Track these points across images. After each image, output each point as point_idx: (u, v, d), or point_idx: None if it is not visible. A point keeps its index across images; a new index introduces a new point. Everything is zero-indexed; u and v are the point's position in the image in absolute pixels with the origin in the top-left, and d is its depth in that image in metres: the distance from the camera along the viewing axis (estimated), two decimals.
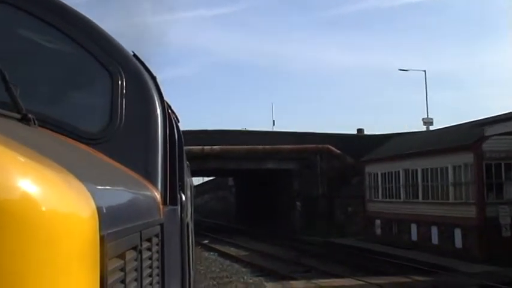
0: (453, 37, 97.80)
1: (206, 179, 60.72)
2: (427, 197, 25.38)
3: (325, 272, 20.15)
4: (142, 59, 3.12)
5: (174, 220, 3.41)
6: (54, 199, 1.30)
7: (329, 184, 36.02)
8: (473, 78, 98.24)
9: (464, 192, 22.69)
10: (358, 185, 33.21)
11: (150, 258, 2.40)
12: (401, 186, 27.66)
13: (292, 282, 18.71)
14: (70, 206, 1.35)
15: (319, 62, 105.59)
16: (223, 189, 57.18)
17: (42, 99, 2.74)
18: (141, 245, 2.11)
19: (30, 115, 2.02)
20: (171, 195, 3.04)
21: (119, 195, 2.01)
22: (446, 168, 23.66)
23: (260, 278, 20.02)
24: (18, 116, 1.97)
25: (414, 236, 26.18)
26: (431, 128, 37.26)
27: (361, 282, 18.02)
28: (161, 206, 2.75)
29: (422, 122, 40.02)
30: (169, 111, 3.62)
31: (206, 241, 31.16)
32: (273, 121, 56.45)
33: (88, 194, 1.47)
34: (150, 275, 2.40)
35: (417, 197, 26.21)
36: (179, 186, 3.50)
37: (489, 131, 21.77)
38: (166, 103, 3.28)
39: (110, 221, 1.58)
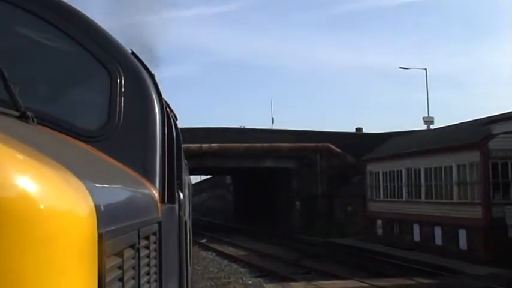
0: (452, 37, 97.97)
1: (204, 177, 60.55)
2: (430, 197, 24.86)
3: (325, 273, 19.76)
4: (141, 57, 3.11)
5: (172, 218, 3.40)
6: (52, 197, 1.30)
7: (329, 183, 35.74)
8: (473, 78, 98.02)
9: (469, 192, 22.19)
10: (359, 184, 32.83)
11: (148, 256, 2.39)
12: (403, 186, 27.16)
13: (292, 283, 18.31)
14: (68, 203, 1.35)
15: (318, 61, 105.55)
16: (221, 188, 56.96)
17: (40, 97, 2.76)
18: (139, 243, 2.11)
19: (28, 113, 2.02)
20: (169, 194, 3.04)
21: (117, 193, 2.02)
22: (451, 167, 23.15)
23: (259, 279, 19.67)
24: (16, 113, 1.97)
25: (416, 237, 25.69)
26: (432, 127, 36.73)
27: (363, 284, 17.56)
28: (159, 204, 2.75)
29: (422, 121, 39.52)
30: (168, 109, 3.61)
31: (204, 240, 30.82)
32: (272, 119, 56.11)
33: (86, 192, 1.47)
34: (148, 273, 2.40)
35: (420, 197, 25.71)
36: (177, 184, 3.50)
37: (496, 128, 21.26)
38: (165, 101, 3.27)
39: (108, 219, 1.58)
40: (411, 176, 26.47)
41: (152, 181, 2.79)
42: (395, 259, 22.34)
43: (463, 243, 22.20)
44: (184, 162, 5.81)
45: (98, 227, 1.46)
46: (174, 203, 3.39)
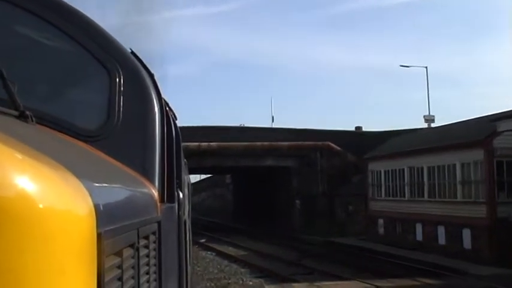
0: (451, 36, 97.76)
1: (203, 176, 60.28)
2: (433, 196, 24.50)
3: (327, 274, 19.48)
4: (140, 57, 3.11)
5: (171, 218, 3.39)
6: (51, 196, 1.30)
7: (329, 182, 35.48)
8: (472, 77, 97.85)
9: (473, 191, 21.86)
10: (359, 183, 32.56)
11: (147, 255, 2.39)
12: (405, 185, 26.81)
13: (294, 284, 18.03)
14: (67, 203, 1.35)
15: (318, 60, 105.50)
16: (220, 187, 56.77)
17: (39, 96, 2.75)
18: (138, 242, 2.10)
19: (27, 112, 2.01)
20: (168, 193, 3.03)
21: (116, 193, 2.01)
22: (454, 165, 22.80)
23: (260, 279, 19.39)
24: (15, 113, 1.97)
25: (419, 236, 25.34)
26: (433, 125, 36.39)
27: (367, 285, 17.26)
28: (158, 204, 2.74)
29: (422, 120, 39.17)
30: (167, 108, 3.60)
31: (203, 240, 30.57)
32: (272, 117, 55.83)
33: (85, 192, 1.47)
34: (147, 273, 2.40)
35: (422, 196, 25.36)
36: (177, 183, 3.49)
37: (502, 126, 20.88)
38: (164, 100, 3.26)
39: (107, 219, 1.58)
40: (414, 175, 26.13)
41: (151, 180, 2.79)
42: (398, 259, 22.02)
43: (467, 243, 21.86)
44: (183, 161, 5.82)
45: (97, 227, 1.46)
46: (174, 202, 3.39)
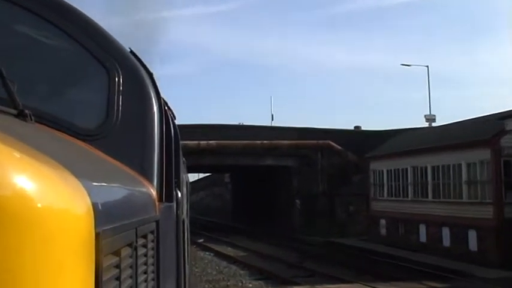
0: (451, 36, 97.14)
1: (202, 175, 59.86)
2: (437, 196, 23.96)
3: (329, 276, 18.99)
4: (139, 56, 3.10)
5: (169, 217, 3.39)
6: (49, 195, 1.30)
7: (329, 181, 35.03)
8: (472, 78, 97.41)
9: (480, 191, 21.32)
10: (360, 183, 32.08)
11: (146, 255, 2.39)
12: (409, 184, 26.27)
13: (295, 287, 17.39)
14: (66, 202, 1.35)
15: (318, 60, 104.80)
16: (219, 186, 56.44)
17: (38, 95, 2.74)
18: (136, 241, 2.10)
19: (26, 111, 2.02)
20: (167, 192, 3.03)
21: (115, 192, 2.01)
22: (460, 165, 22.27)
23: (260, 281, 18.88)
24: (14, 111, 1.97)
25: (423, 237, 24.80)
26: (434, 125, 35.88)
27: None
28: (157, 203, 2.74)
29: (422, 120, 38.81)
30: (166, 108, 3.60)
31: (201, 240, 30.05)
32: (272, 115, 55.03)
33: (84, 191, 1.46)
34: (145, 272, 2.39)
35: (426, 196, 24.82)
36: (175, 183, 3.49)
37: (510, 124, 20.31)
38: (163, 100, 3.26)
39: (106, 218, 1.58)
40: (417, 175, 25.59)
41: (150, 179, 2.79)
42: (402, 261, 21.50)
43: (473, 244, 21.32)
44: (182, 160, 5.80)
45: (96, 226, 1.45)
46: (172, 201, 3.39)
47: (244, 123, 40.50)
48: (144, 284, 2.34)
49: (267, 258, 23.87)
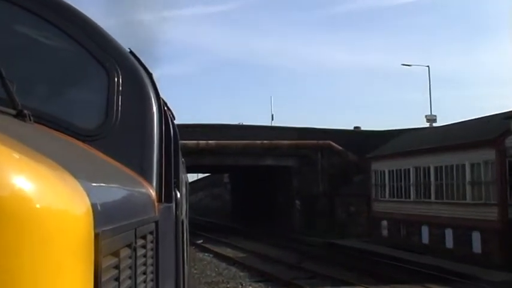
0: (451, 37, 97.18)
1: (201, 175, 59.59)
2: (440, 197, 23.56)
3: (331, 278, 18.62)
4: (139, 56, 3.09)
5: (169, 217, 3.38)
6: (48, 196, 1.29)
7: (330, 182, 34.72)
8: (472, 78, 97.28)
9: (484, 192, 20.90)
10: (361, 183, 31.73)
11: (145, 255, 2.39)
12: (411, 185, 25.84)
13: None
14: (65, 203, 1.34)
15: (318, 60, 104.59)
16: (218, 187, 56.17)
17: (38, 95, 2.73)
18: (135, 242, 2.10)
19: (26, 111, 2.02)
20: (166, 193, 3.02)
21: (114, 193, 2.00)
22: (463, 165, 21.87)
23: (260, 284, 18.53)
24: (13, 112, 1.97)
25: (425, 239, 24.40)
26: (434, 125, 35.55)
27: None
28: (156, 204, 2.73)
29: (424, 120, 38.28)
30: (165, 108, 3.60)
31: (200, 241, 29.68)
32: (272, 115, 54.37)
33: (83, 191, 1.46)
34: (145, 273, 2.39)
35: (429, 197, 24.41)
36: (174, 183, 3.48)
37: None
38: (162, 100, 3.25)
39: (105, 219, 1.57)
40: (420, 175, 25.18)
41: (149, 180, 2.78)
42: (404, 263, 21.10)
43: (476, 246, 20.94)
44: (181, 160, 5.74)
45: (95, 227, 1.45)
46: (171, 202, 3.37)
47: (244, 123, 40.13)
48: (143, 284, 2.34)
49: (267, 260, 23.46)
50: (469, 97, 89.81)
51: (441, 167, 23.44)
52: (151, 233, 2.55)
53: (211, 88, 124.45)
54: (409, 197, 26.02)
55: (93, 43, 2.84)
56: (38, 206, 1.24)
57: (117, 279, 1.76)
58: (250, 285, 18.29)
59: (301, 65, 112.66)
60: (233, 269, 21.48)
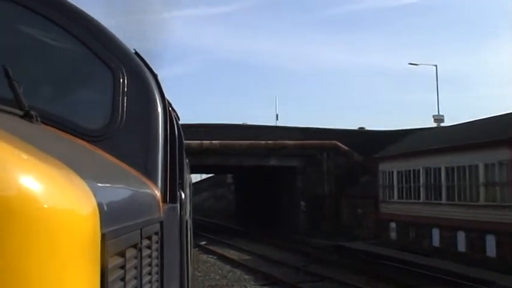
0: (453, 37, 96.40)
1: (204, 176, 59.20)
2: (452, 199, 22.77)
3: (339, 282, 17.98)
4: (143, 57, 3.11)
5: (173, 218, 3.42)
6: (55, 196, 1.30)
7: (336, 183, 34.07)
8: (474, 78, 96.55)
9: (498, 194, 20.11)
10: (367, 184, 31.07)
11: (150, 256, 2.40)
12: (421, 186, 25.06)
13: None
14: (71, 203, 1.35)
15: (321, 60, 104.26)
16: (221, 187, 55.78)
17: (44, 96, 2.75)
18: (141, 242, 2.12)
19: (32, 112, 2.03)
20: (170, 193, 3.03)
21: (120, 193, 2.02)
22: (476, 166, 21.10)
23: (265, 287, 17.87)
24: (20, 112, 1.98)
25: (436, 242, 23.62)
26: (442, 125, 34.89)
27: None
28: (161, 204, 2.75)
29: (432, 120, 37.66)
30: (170, 108, 3.61)
31: (204, 242, 29.09)
32: (276, 115, 53.58)
33: (89, 192, 1.47)
34: (150, 273, 2.40)
35: (440, 199, 23.61)
36: (179, 184, 3.50)
37: None
38: (167, 101, 3.26)
39: (111, 219, 1.59)
40: (430, 176, 24.37)
41: (154, 181, 2.79)
42: (414, 266, 20.36)
43: (490, 250, 20.14)
44: (185, 161, 5.73)
45: (101, 227, 1.46)
46: (176, 202, 3.38)
47: (249, 123, 39.55)
48: (149, 285, 2.36)
49: (272, 262, 22.84)
50: (472, 97, 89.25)
51: (453, 167, 22.69)
52: (156, 233, 2.57)
53: (215, 88, 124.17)
54: (419, 199, 25.25)
55: (99, 44, 2.84)
56: (45, 206, 1.25)
57: (123, 279, 1.77)
58: None
59: (303, 65, 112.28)
60: (238, 272, 20.86)
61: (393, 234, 27.04)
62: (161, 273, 2.71)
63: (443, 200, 23.35)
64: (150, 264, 2.39)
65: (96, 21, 2.95)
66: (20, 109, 1.98)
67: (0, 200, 1.19)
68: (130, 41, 3.25)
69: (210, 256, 25.23)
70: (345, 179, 33.57)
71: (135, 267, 2.01)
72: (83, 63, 2.89)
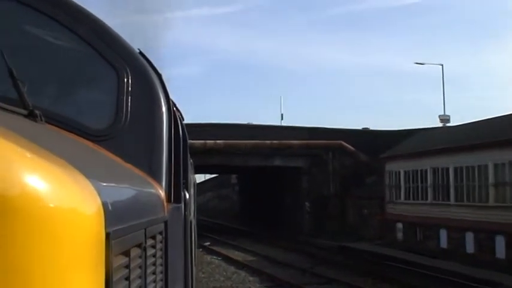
0: (455, 38, 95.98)
1: (208, 176, 58.95)
2: (460, 199, 22.42)
3: (346, 284, 17.55)
4: (148, 56, 3.10)
5: (177, 218, 3.38)
6: (60, 196, 1.30)
7: (341, 183, 33.71)
8: (475, 79, 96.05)
9: (508, 194, 19.75)
10: (373, 185, 30.71)
11: (154, 255, 2.40)
12: (428, 187, 24.69)
13: None
14: (76, 202, 1.35)
15: (324, 60, 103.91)
16: (226, 188, 55.51)
17: (48, 96, 2.75)
18: (145, 242, 2.11)
19: (36, 111, 2.03)
20: (175, 193, 3.03)
21: (124, 193, 2.01)
22: (486, 166, 20.73)
23: None
24: (25, 112, 1.98)
25: (444, 243, 23.27)
26: (448, 125, 34.45)
27: None
28: (165, 204, 2.76)
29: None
30: (174, 108, 3.60)
31: (208, 243, 28.76)
32: (281, 115, 53.09)
33: (94, 191, 1.47)
34: (154, 272, 2.41)
35: (448, 199, 23.26)
36: (183, 184, 3.49)
37: None
38: (171, 101, 3.23)
39: (116, 218, 1.59)
40: (438, 176, 24.03)
41: (159, 180, 2.79)
42: (422, 268, 20.01)
43: (500, 251, 19.78)
44: (190, 161, 5.72)
45: (106, 226, 1.46)
46: (180, 202, 3.38)
47: (253, 123, 39.23)
48: (153, 284, 2.36)
49: (277, 263, 22.55)
50: (473, 98, 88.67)
51: (461, 167, 22.33)
52: (160, 233, 2.57)
53: (219, 88, 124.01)
54: (426, 199, 24.90)
55: (103, 43, 2.83)
56: (50, 205, 1.24)
57: (127, 278, 1.78)
58: None
59: (310, 65, 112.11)
60: (242, 273, 20.55)
61: (400, 235, 26.68)
62: (165, 272, 2.72)
63: (452, 200, 22.98)
64: (154, 264, 2.39)
65: (101, 20, 2.94)
66: (24, 108, 1.97)
67: (4, 199, 1.19)
68: (132, 41, 3.22)
69: (214, 257, 24.94)
70: (350, 179, 33.25)
71: (140, 267, 2.01)
72: (87, 63, 2.88)
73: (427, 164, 24.64)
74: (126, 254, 1.77)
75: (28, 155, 1.29)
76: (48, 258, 1.22)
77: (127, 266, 1.77)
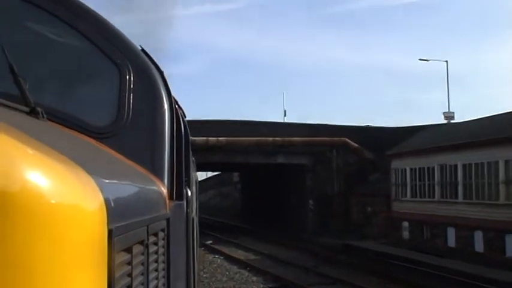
0: (454, 36, 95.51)
1: (210, 174, 58.60)
2: (469, 197, 21.87)
3: (352, 285, 17.00)
4: (150, 53, 3.10)
5: (180, 215, 3.41)
6: (62, 192, 1.30)
7: (345, 180, 33.22)
8: (478, 78, 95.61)
9: None
10: (378, 182, 30.22)
11: (156, 252, 2.41)
12: (435, 184, 24.13)
13: None
14: (78, 199, 1.35)
15: (326, 58, 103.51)
16: (227, 186, 55.12)
17: (50, 93, 2.74)
18: (147, 239, 2.13)
19: (38, 108, 2.03)
20: (177, 190, 3.05)
21: (127, 190, 2.01)
22: (496, 162, 20.17)
23: None
24: (26, 109, 1.98)
25: (451, 242, 22.73)
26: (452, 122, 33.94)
27: None
28: (167, 201, 2.77)
29: (442, 117, 36.67)
30: (176, 106, 3.60)
31: (209, 242, 28.32)
32: (284, 111, 52.50)
33: (96, 188, 1.47)
34: (156, 269, 2.41)
35: (456, 197, 22.71)
36: (185, 181, 3.53)
37: None
38: (173, 98, 3.24)
39: (118, 215, 1.59)
40: (445, 173, 23.46)
41: (161, 178, 2.80)
42: (430, 267, 19.47)
43: (510, 250, 19.31)
44: (192, 159, 5.71)
45: (108, 223, 1.46)
46: (182, 199, 3.39)
47: (256, 120, 38.71)
48: (155, 281, 2.36)
49: (280, 263, 22.08)
50: (473, 97, 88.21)
51: (470, 164, 21.77)
52: (162, 230, 2.58)
53: (221, 85, 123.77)
54: (434, 197, 24.34)
55: (105, 40, 2.83)
56: (52, 201, 1.24)
57: (129, 275, 1.78)
58: None
59: (308, 62, 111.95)
60: (245, 273, 20.05)
61: (406, 234, 26.17)
62: (168, 269, 2.73)
63: (460, 198, 22.45)
64: (156, 261, 2.40)
65: (103, 17, 2.93)
66: (26, 105, 1.97)
67: (6, 195, 1.18)
68: (134, 38, 3.20)
69: (217, 256, 24.49)
70: (354, 177, 32.74)
71: (142, 264, 2.02)
72: (89, 60, 2.88)
73: (434, 161, 24.11)
74: (129, 250, 1.78)
75: (30, 151, 1.29)
76: (49, 255, 1.21)
77: (129, 263, 1.78)
